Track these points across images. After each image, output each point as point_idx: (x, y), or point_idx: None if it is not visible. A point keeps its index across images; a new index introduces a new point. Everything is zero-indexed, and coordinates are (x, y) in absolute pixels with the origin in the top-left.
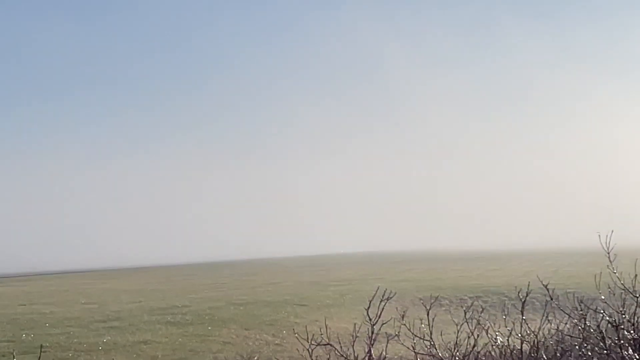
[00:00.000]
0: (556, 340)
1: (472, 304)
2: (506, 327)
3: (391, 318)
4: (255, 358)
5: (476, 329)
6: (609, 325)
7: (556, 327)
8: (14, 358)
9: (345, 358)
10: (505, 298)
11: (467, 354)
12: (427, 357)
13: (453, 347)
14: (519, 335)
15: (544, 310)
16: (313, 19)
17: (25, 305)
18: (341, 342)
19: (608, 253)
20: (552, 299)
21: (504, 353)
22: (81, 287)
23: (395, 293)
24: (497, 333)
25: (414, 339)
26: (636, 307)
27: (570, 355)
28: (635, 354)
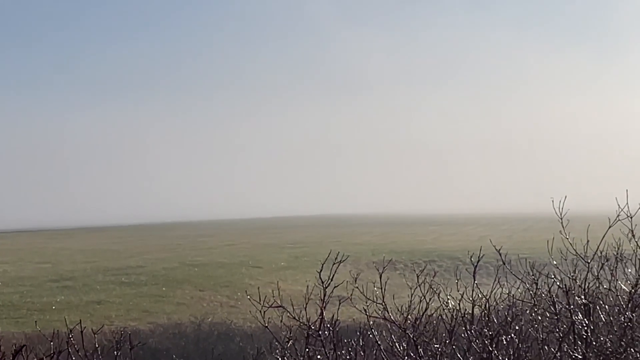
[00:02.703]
0: (507, 304)
1: (425, 267)
2: (458, 291)
3: (343, 281)
4: (209, 319)
5: (428, 293)
6: (560, 290)
7: (508, 292)
8: None
9: (297, 320)
10: (460, 262)
11: (419, 317)
12: (380, 320)
13: (405, 310)
14: (470, 299)
15: (496, 275)
16: None
17: None
18: (294, 305)
19: (561, 218)
20: (504, 264)
21: (455, 317)
22: (35, 246)
23: (349, 256)
24: (448, 297)
25: (366, 302)
26: (587, 272)
27: (521, 320)
28: (585, 319)
